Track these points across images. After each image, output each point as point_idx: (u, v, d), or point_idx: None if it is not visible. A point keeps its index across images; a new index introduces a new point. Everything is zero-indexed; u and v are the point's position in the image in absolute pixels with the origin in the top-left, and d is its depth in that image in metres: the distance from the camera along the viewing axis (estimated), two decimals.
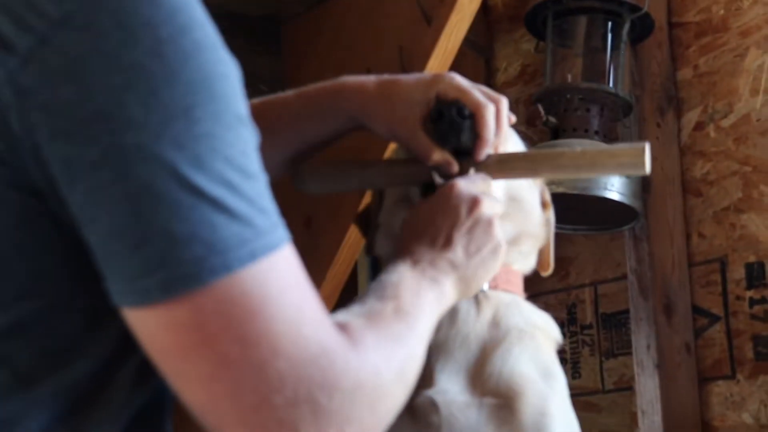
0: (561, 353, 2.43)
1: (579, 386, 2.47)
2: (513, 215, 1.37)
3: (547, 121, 2.22)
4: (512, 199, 1.37)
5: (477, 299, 1.35)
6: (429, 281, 1.12)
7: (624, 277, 2.38)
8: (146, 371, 0.89)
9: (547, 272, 1.49)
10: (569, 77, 2.33)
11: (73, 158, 0.80)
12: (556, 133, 2.26)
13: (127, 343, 0.87)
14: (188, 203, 0.80)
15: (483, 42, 2.67)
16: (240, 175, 0.83)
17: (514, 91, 2.66)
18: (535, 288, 2.53)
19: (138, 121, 0.80)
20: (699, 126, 2.35)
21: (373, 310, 0.99)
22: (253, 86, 1.37)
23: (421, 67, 2.03)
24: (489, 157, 1.27)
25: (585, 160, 1.27)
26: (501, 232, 1.22)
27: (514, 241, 1.38)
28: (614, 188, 2.15)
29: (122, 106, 0.80)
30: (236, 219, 0.82)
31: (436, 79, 1.29)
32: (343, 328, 0.91)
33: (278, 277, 0.84)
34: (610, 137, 2.28)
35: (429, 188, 1.25)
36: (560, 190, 2.16)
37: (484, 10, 2.70)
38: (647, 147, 1.19)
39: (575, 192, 2.16)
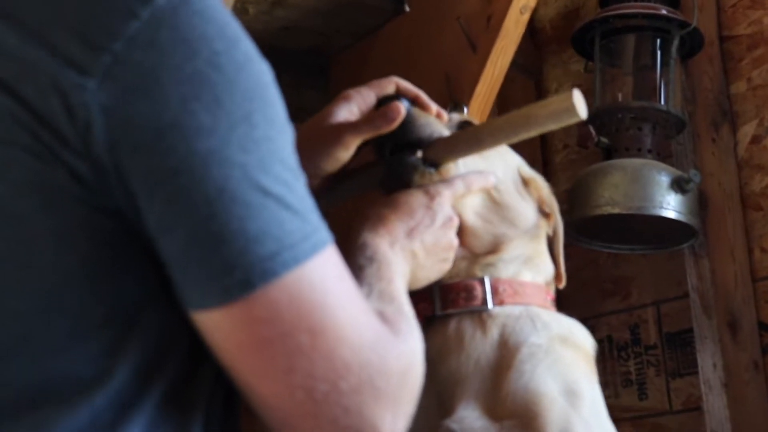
0: (626, 374, 2.43)
1: (646, 407, 2.43)
2: (494, 221, 1.37)
3: (599, 141, 2.20)
4: (496, 205, 1.37)
5: (481, 320, 1.33)
6: (403, 265, 1.17)
7: (686, 295, 2.34)
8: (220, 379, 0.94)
9: (560, 285, 1.46)
10: (620, 96, 2.31)
11: (153, 169, 0.85)
12: (609, 154, 2.23)
13: (201, 356, 0.91)
14: (259, 202, 0.85)
15: (531, 65, 2.66)
16: (292, 175, 0.89)
17: None
18: (597, 309, 2.54)
19: (208, 128, 0.85)
20: (755, 139, 2.32)
21: (384, 294, 1.05)
22: (301, 120, 1.38)
23: (468, 94, 2.03)
24: (434, 142, 1.30)
25: (520, 119, 1.25)
26: (454, 237, 1.26)
27: (494, 248, 1.37)
28: (670, 206, 2.13)
29: (192, 115, 0.85)
30: (297, 215, 0.87)
31: (357, 90, 1.33)
32: (381, 316, 0.97)
33: (334, 270, 0.91)
34: (663, 155, 2.25)
35: (391, 184, 1.29)
36: (615, 210, 2.14)
37: (531, 33, 2.69)
38: (576, 91, 1.18)
39: (630, 212, 2.14)
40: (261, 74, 0.90)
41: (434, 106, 1.35)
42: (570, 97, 1.17)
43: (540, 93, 2.70)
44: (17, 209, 0.87)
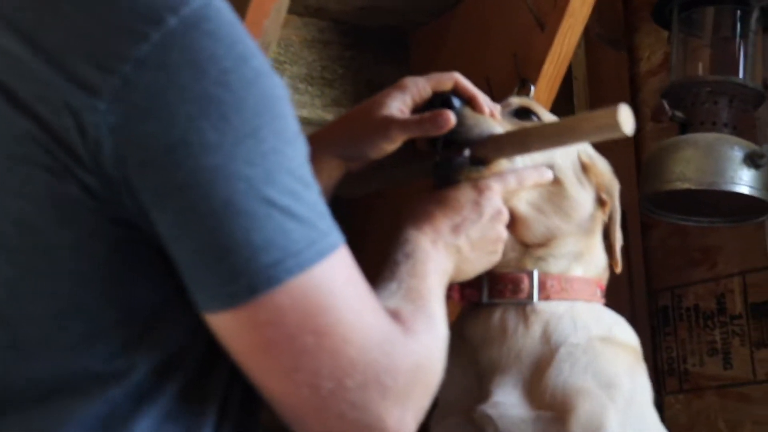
0: (712, 343, 2.44)
1: (731, 377, 2.44)
2: (547, 212, 1.39)
3: (673, 116, 2.19)
4: (552, 195, 1.39)
5: (525, 314, 1.37)
6: (444, 262, 1.21)
7: None
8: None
9: (617, 270, 1.46)
10: (700, 67, 2.29)
11: (161, 184, 0.90)
12: (684, 128, 2.23)
13: (216, 354, 0.97)
14: (264, 213, 0.90)
15: (620, 35, 2.65)
16: (301, 184, 0.94)
17: (657, 80, 2.62)
18: (684, 278, 2.54)
19: (214, 144, 0.89)
20: None
21: (411, 291, 1.10)
22: None
23: (536, 73, 2.05)
24: (482, 140, 1.32)
25: (566, 129, 1.28)
26: (503, 230, 1.29)
27: (546, 241, 1.39)
28: (743, 182, 2.11)
29: (199, 132, 0.89)
30: (303, 223, 0.92)
31: (413, 79, 1.36)
32: (395, 315, 1.02)
33: (341, 273, 0.95)
34: (740, 128, 2.23)
35: (440, 183, 1.33)
36: (686, 186, 2.15)
37: (624, 1, 2.68)
38: (624, 107, 1.19)
39: (702, 188, 2.14)
40: (272, 89, 0.94)
41: (487, 107, 1.36)
42: (615, 113, 1.19)
43: (633, 63, 2.69)
44: (37, 222, 0.92)
